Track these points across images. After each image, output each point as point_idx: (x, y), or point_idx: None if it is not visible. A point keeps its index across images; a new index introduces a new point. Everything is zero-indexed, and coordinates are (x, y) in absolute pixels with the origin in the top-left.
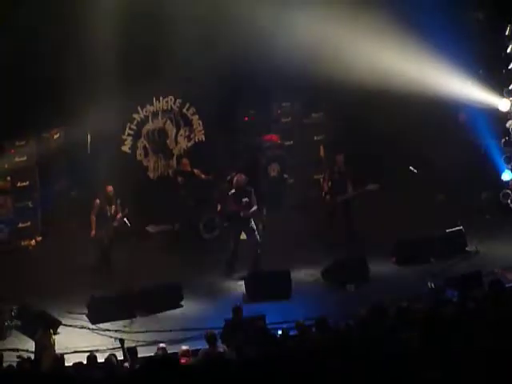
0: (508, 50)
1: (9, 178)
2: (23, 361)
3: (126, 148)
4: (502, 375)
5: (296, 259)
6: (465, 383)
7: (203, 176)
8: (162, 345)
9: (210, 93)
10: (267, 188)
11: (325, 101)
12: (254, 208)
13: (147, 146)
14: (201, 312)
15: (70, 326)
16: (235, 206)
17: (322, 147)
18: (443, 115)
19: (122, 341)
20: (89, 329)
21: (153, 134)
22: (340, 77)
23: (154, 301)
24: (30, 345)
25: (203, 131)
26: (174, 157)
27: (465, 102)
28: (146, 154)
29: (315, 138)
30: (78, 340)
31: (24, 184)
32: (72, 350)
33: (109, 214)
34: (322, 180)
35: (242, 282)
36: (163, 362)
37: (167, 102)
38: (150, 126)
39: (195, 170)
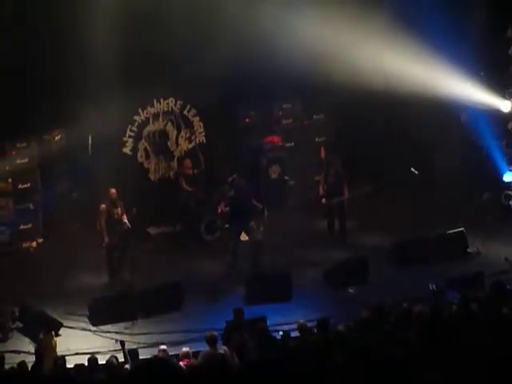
0: (510, 52)
1: (10, 180)
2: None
3: (126, 150)
4: (503, 377)
5: (297, 260)
6: None
7: (190, 189)
8: (162, 346)
9: (210, 94)
10: (268, 190)
11: (326, 102)
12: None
13: (148, 147)
14: (202, 314)
15: (71, 327)
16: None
17: (323, 149)
18: (445, 116)
19: (122, 343)
20: (90, 331)
21: (154, 135)
22: (341, 78)
23: (155, 302)
24: (32, 346)
25: (204, 133)
26: (175, 159)
27: (466, 103)
28: (147, 156)
29: (316, 139)
30: (79, 342)
31: (25, 186)
32: (73, 352)
33: (116, 217)
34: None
35: (243, 284)
36: (163, 363)
37: (168, 103)
38: (150, 127)
39: (195, 170)
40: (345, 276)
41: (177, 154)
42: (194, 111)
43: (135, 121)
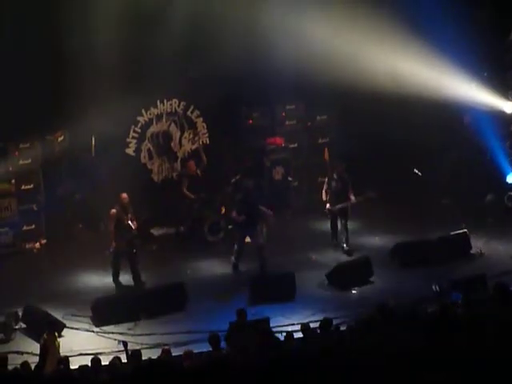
0: None
1: (13, 181)
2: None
3: (130, 151)
4: (505, 378)
5: (300, 262)
6: None
7: (192, 196)
8: (166, 347)
9: (214, 95)
10: (272, 191)
11: (329, 103)
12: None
13: (151, 148)
14: (205, 314)
15: (74, 328)
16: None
17: (326, 150)
18: (448, 118)
19: (125, 343)
20: (93, 331)
21: (157, 136)
22: (345, 79)
23: (159, 303)
24: (35, 347)
25: (207, 134)
26: (179, 160)
27: (470, 104)
28: (151, 157)
29: (320, 140)
30: (83, 343)
31: (28, 187)
32: (76, 353)
33: (125, 223)
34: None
35: (247, 285)
36: (166, 364)
37: (171, 104)
38: (154, 128)
39: (198, 171)
40: (348, 277)
41: (180, 155)
42: (197, 112)
43: (138, 122)
